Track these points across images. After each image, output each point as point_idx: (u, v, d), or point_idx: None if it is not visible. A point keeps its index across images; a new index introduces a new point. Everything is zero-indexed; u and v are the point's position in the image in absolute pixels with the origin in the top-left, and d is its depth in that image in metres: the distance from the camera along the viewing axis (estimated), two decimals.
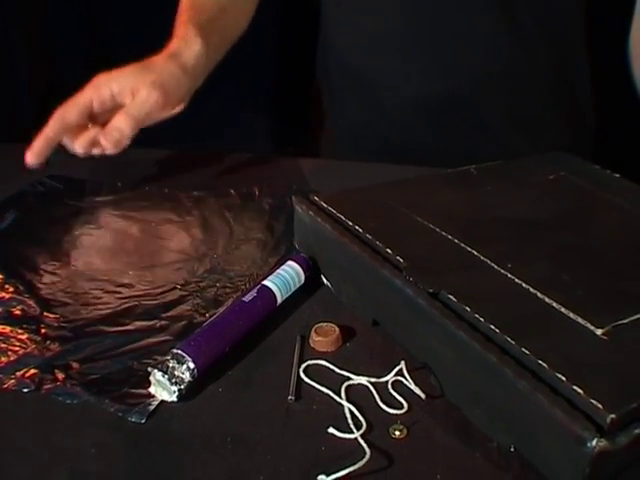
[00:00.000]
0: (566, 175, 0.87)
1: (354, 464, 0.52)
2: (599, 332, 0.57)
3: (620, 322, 0.58)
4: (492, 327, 0.56)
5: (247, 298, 0.66)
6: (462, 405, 0.59)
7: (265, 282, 0.68)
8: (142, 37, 1.06)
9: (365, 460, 0.53)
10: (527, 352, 0.54)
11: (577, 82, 1.21)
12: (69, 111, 0.86)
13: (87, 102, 0.86)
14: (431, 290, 0.60)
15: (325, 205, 0.73)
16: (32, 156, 0.85)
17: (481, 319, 0.57)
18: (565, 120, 1.20)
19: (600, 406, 0.49)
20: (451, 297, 0.59)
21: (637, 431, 0.50)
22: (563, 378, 0.51)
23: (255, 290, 0.67)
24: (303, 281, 0.71)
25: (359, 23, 1.12)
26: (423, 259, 0.65)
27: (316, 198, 0.74)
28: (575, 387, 0.50)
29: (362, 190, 0.79)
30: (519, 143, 1.14)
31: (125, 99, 0.87)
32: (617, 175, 0.88)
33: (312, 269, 0.73)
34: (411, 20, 1.07)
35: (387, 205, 0.75)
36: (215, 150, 1.05)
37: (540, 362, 0.53)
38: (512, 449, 0.55)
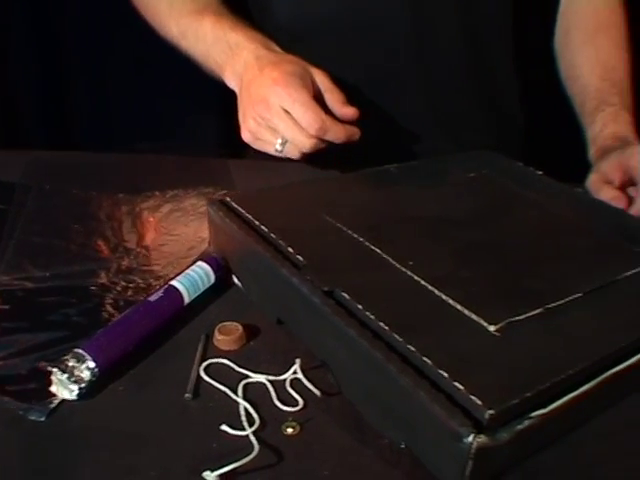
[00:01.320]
0: (487, 173, 0.87)
1: (239, 460, 0.51)
2: (492, 329, 0.57)
3: (515, 319, 0.58)
4: (381, 324, 0.56)
5: (153, 298, 0.66)
6: (357, 402, 0.59)
7: (172, 282, 0.68)
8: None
9: (252, 456, 0.52)
10: (412, 349, 0.53)
11: (504, 83, 1.21)
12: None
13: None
14: (326, 288, 0.60)
15: (235, 205, 0.73)
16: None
17: (371, 316, 0.56)
18: (493, 120, 1.19)
19: (479, 402, 0.49)
20: (345, 295, 0.59)
21: (519, 427, 0.50)
22: (445, 374, 0.51)
23: (162, 290, 0.67)
24: (213, 281, 0.71)
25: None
26: (324, 258, 0.65)
27: (228, 199, 0.74)
28: (456, 383, 0.50)
29: (276, 189, 0.79)
30: (444, 143, 1.15)
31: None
32: (540, 172, 0.89)
33: (223, 269, 0.72)
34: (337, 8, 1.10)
35: (298, 204, 0.75)
36: (155, 151, 1.04)
37: (424, 359, 0.52)
38: (403, 446, 0.54)
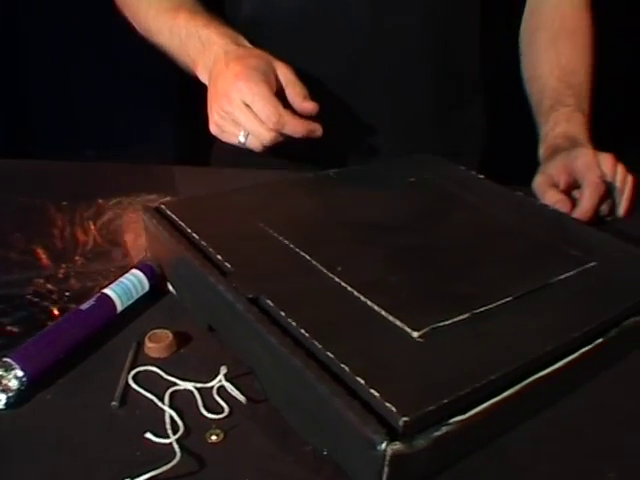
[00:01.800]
0: (428, 177, 0.87)
1: (158, 467, 0.51)
2: (415, 335, 0.56)
3: (440, 324, 0.58)
4: (302, 331, 0.55)
5: (85, 306, 0.65)
6: (282, 409, 0.58)
7: (105, 290, 0.67)
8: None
9: (173, 463, 0.52)
10: (331, 356, 0.53)
11: (469, 88, 1.21)
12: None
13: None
14: (250, 295, 0.59)
15: (169, 213, 0.72)
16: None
17: (293, 323, 0.56)
18: (454, 124, 1.19)
19: (394, 409, 0.49)
20: (269, 302, 0.58)
21: (437, 434, 0.50)
22: (362, 381, 0.51)
23: (94, 298, 0.66)
24: (147, 288, 0.70)
25: None
26: (252, 264, 0.65)
27: (162, 206, 0.73)
28: (372, 390, 0.50)
29: (213, 196, 0.79)
30: (401, 145, 1.13)
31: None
32: (481, 176, 0.88)
33: (158, 276, 0.71)
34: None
35: (233, 211, 0.75)
36: (103, 159, 1.03)
37: (342, 365, 0.52)
38: (325, 453, 0.54)
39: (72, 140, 1.30)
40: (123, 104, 1.39)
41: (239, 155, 1.18)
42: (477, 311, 0.61)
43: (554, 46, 1.16)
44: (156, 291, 0.73)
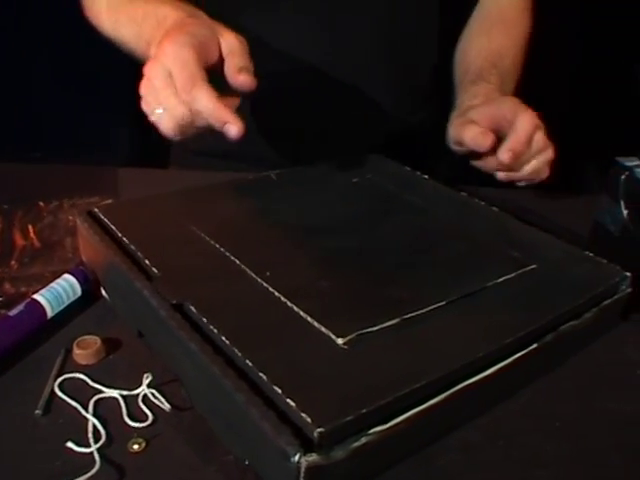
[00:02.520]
0: (371, 178, 0.86)
1: (77, 477, 0.50)
2: (340, 341, 0.55)
3: (367, 330, 0.57)
4: (223, 339, 0.53)
5: (13, 312, 0.64)
6: (207, 417, 0.57)
7: (35, 296, 0.66)
8: None
9: (91, 473, 0.51)
10: (250, 364, 0.51)
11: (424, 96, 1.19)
12: None
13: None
14: (174, 301, 0.57)
15: (102, 217, 0.70)
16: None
17: (215, 330, 0.54)
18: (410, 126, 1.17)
19: (309, 420, 0.47)
20: (192, 308, 0.56)
21: (356, 444, 0.49)
22: (279, 391, 0.49)
23: (23, 304, 0.64)
24: (80, 294, 0.69)
25: None
26: (181, 269, 0.63)
27: (96, 210, 0.71)
28: (288, 400, 0.48)
29: (148, 199, 0.78)
30: (352, 145, 1.11)
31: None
32: (425, 176, 0.87)
33: (90, 281, 0.69)
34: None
35: (167, 214, 0.73)
36: (49, 160, 1.01)
37: (261, 374, 0.50)
38: (246, 463, 0.53)
39: (19, 142, 1.27)
40: (75, 103, 1.37)
41: (198, 155, 1.16)
42: (407, 316, 0.59)
43: (487, 35, 1.13)
44: (89, 296, 0.72)
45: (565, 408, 0.62)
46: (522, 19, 1.16)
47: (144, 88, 0.79)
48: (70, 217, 0.85)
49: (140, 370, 0.61)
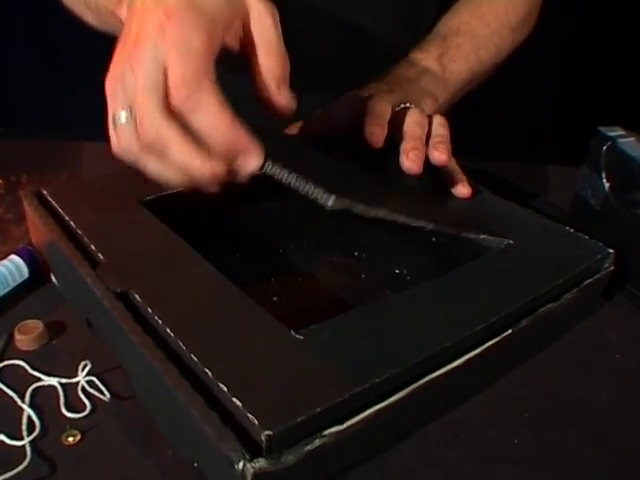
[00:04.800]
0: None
1: (4, 473, 0.46)
2: (294, 333, 0.48)
3: (326, 320, 0.51)
4: (167, 330, 0.46)
5: None
6: (149, 409, 0.52)
7: None
8: None
9: (21, 468, 0.47)
10: (195, 358, 0.44)
11: None
12: None
13: None
14: (119, 290, 0.51)
15: (49, 198, 0.63)
16: None
17: (159, 321, 0.47)
18: None
19: (256, 421, 0.41)
20: (137, 297, 0.49)
21: (309, 448, 0.43)
22: (225, 389, 0.42)
23: None
24: (27, 275, 0.62)
25: None
26: (129, 255, 0.57)
27: (44, 191, 0.64)
28: (234, 399, 0.43)
29: (100, 178, 0.71)
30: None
31: None
32: None
33: (39, 263, 0.64)
34: None
35: (119, 195, 0.66)
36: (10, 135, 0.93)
37: (206, 370, 0.43)
38: (195, 465, 0.48)
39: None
40: (45, 76, 1.29)
41: None
42: (371, 304, 0.52)
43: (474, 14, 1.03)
44: (39, 277, 0.66)
45: (536, 398, 0.57)
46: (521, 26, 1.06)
47: (113, 79, 0.53)
48: (28, 194, 0.77)
49: (82, 356, 0.56)
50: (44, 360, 0.57)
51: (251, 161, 0.53)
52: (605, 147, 0.74)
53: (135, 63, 0.51)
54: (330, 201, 0.53)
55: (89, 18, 0.83)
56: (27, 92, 1.31)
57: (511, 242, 0.63)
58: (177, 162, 0.51)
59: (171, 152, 0.51)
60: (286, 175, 0.54)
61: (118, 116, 0.52)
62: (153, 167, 0.53)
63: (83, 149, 0.95)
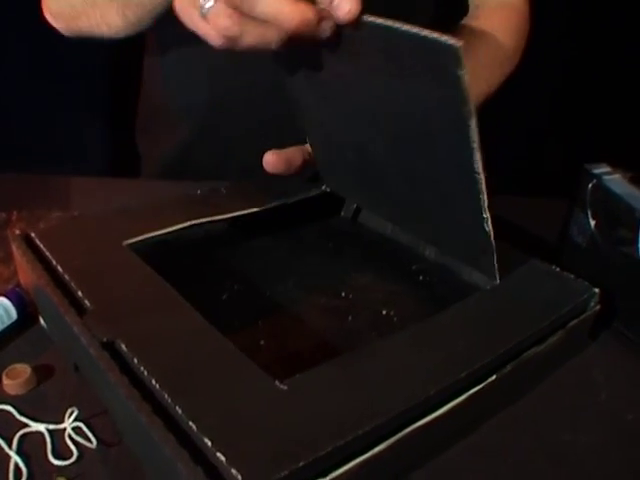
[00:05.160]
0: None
1: None
2: (279, 383, 0.48)
3: (311, 369, 0.51)
4: (153, 382, 0.47)
5: None
6: (136, 453, 0.52)
7: None
8: None
9: None
10: (179, 411, 0.44)
11: None
12: None
13: None
14: (105, 339, 0.51)
15: (37, 241, 0.63)
16: None
17: (145, 372, 0.48)
18: None
19: (239, 477, 0.42)
20: (123, 347, 0.50)
21: None
22: (209, 443, 0.43)
23: None
24: (15, 317, 0.63)
25: None
26: (116, 301, 0.57)
27: (32, 234, 0.65)
28: (219, 453, 0.43)
29: (88, 219, 0.71)
30: None
31: None
32: None
33: (27, 304, 0.65)
34: None
35: (106, 236, 0.66)
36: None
37: (190, 423, 0.44)
38: None
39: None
40: (42, 106, 1.29)
41: (170, 167, 1.08)
42: (355, 351, 0.52)
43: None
44: (27, 319, 0.66)
45: (520, 441, 0.57)
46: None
47: None
48: (17, 232, 0.77)
49: (70, 401, 0.57)
50: (32, 405, 0.57)
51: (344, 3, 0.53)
52: (591, 185, 0.74)
53: None
54: None
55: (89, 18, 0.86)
56: (17, 126, 1.31)
57: (497, 282, 0.63)
58: (268, 14, 0.53)
59: (260, 5, 0.52)
60: None
61: (203, 6, 0.55)
62: (252, 34, 0.55)
63: (72, 184, 0.95)
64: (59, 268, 0.61)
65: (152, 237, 0.67)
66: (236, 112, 1.04)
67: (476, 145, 0.55)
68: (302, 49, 0.60)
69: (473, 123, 0.53)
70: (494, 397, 0.57)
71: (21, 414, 0.56)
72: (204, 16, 0.55)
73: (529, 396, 0.62)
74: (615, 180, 0.74)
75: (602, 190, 0.73)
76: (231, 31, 0.54)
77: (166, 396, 0.48)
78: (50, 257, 0.63)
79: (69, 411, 0.54)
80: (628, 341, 0.70)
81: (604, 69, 1.69)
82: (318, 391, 0.50)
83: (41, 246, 0.65)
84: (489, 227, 0.60)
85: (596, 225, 0.74)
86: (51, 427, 0.55)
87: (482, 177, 0.57)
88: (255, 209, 0.75)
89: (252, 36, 0.55)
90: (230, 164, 1.06)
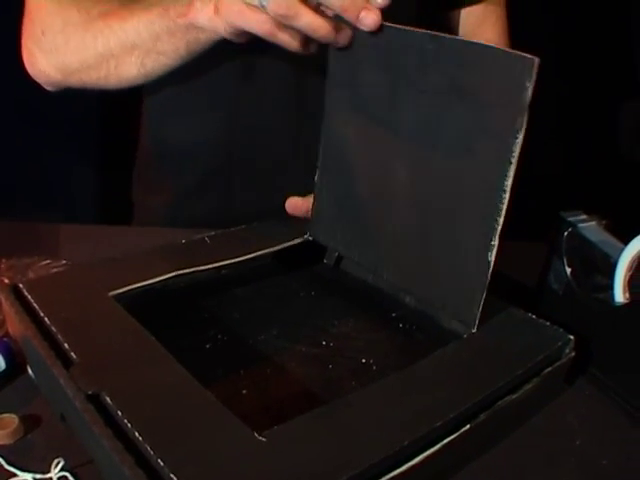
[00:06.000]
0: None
1: None
2: (258, 435, 0.50)
3: (289, 420, 0.53)
4: (136, 434, 0.49)
5: None
6: None
7: None
8: None
9: None
10: (162, 463, 0.47)
11: None
12: None
13: None
14: (90, 392, 0.53)
15: (26, 293, 0.66)
16: None
17: (129, 425, 0.50)
18: None
19: None
20: (108, 400, 0.52)
21: None
22: None
23: None
24: (3, 367, 0.65)
25: None
26: (100, 352, 0.59)
27: (20, 285, 0.67)
28: None
29: (74, 271, 0.73)
30: None
31: None
32: None
33: (15, 354, 0.66)
34: None
35: (90, 288, 0.68)
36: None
37: (172, 475, 0.46)
38: None
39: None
40: (32, 153, 1.31)
41: (162, 216, 1.10)
42: (333, 402, 0.54)
43: None
44: (15, 368, 0.68)
45: None
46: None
47: None
48: (6, 280, 0.80)
49: (57, 451, 0.58)
50: (19, 454, 0.58)
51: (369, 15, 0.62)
52: (566, 232, 0.77)
53: None
54: None
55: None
56: (4, 172, 1.33)
57: (473, 331, 0.66)
58: None
59: None
60: None
61: None
62: (306, 16, 0.63)
63: (61, 232, 0.97)
64: (46, 320, 0.63)
65: (137, 287, 0.69)
66: (236, 158, 1.07)
67: (515, 160, 0.59)
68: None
69: (520, 136, 0.57)
70: (469, 445, 0.59)
71: (9, 464, 0.57)
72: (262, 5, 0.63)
73: (505, 442, 0.63)
74: (590, 227, 0.76)
75: (577, 238, 0.76)
76: (291, 9, 0.62)
77: (149, 448, 0.50)
78: (37, 308, 0.65)
79: (55, 461, 0.56)
80: (603, 386, 0.71)
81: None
82: (296, 442, 0.52)
83: (29, 297, 0.67)
84: (492, 257, 0.63)
85: (572, 272, 0.76)
86: (38, 477, 0.56)
87: (508, 196, 0.60)
88: (239, 258, 0.77)
89: (306, 18, 0.62)
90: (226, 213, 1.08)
